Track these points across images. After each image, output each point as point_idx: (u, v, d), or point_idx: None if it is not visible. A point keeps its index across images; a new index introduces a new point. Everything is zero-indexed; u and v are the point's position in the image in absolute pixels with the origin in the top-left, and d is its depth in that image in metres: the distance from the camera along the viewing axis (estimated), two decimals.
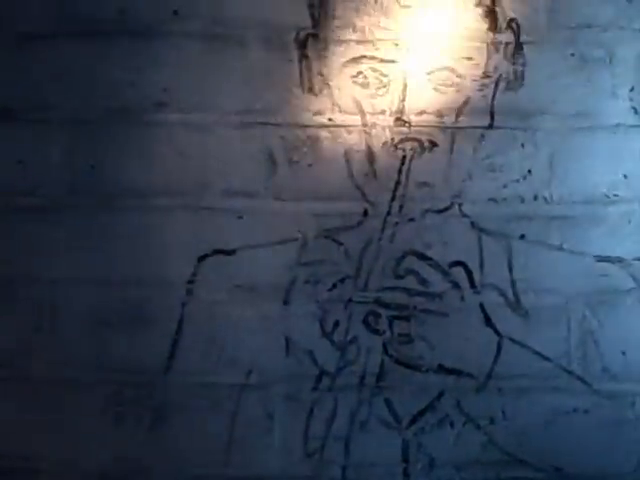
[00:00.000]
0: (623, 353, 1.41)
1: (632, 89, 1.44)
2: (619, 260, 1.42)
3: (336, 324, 1.43)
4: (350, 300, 1.43)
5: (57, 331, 1.45)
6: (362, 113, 1.44)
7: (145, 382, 1.44)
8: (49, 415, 1.45)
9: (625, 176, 1.43)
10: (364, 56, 1.44)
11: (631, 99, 1.44)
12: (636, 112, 1.44)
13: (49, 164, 1.46)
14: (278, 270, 1.44)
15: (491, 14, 1.44)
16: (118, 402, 1.44)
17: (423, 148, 1.43)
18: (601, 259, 1.42)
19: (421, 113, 1.44)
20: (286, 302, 1.43)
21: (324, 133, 1.45)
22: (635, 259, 1.42)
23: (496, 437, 1.41)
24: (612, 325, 1.41)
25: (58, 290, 1.45)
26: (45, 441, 1.45)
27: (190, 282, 1.44)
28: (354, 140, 1.45)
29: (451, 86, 1.44)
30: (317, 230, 1.44)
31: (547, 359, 1.41)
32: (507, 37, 1.44)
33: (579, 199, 1.43)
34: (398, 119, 1.44)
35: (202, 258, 1.44)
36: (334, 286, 1.43)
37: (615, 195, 1.43)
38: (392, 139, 1.44)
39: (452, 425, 1.42)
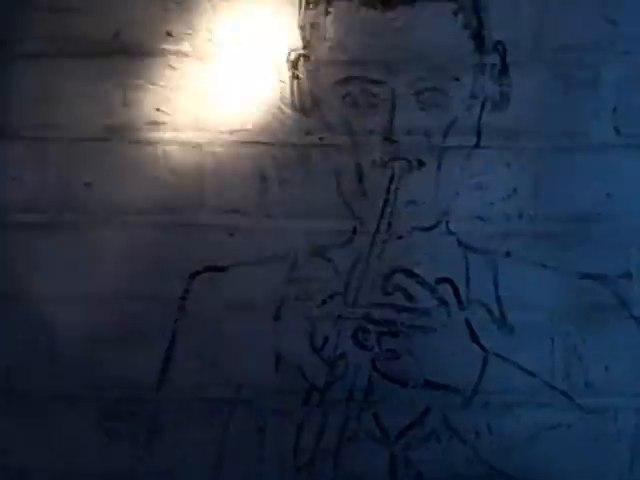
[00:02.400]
0: (606, 368, 1.43)
1: (614, 110, 1.46)
2: (602, 277, 1.43)
3: (325, 340, 1.44)
4: (339, 316, 1.44)
5: (52, 347, 1.47)
6: (352, 132, 1.46)
7: (138, 398, 1.45)
8: (44, 430, 1.47)
9: (608, 195, 1.45)
10: (354, 77, 1.46)
11: (614, 120, 1.46)
12: (618, 132, 1.45)
13: (44, 181, 1.49)
14: (269, 287, 1.45)
15: (478, 36, 1.46)
16: (112, 418, 1.46)
17: (411, 167, 1.45)
18: (585, 276, 1.44)
19: (409, 133, 1.45)
20: (277, 318, 1.45)
21: (315, 152, 1.47)
22: (618, 276, 1.43)
23: (482, 452, 1.43)
24: (595, 341, 1.43)
25: (53, 306, 1.47)
26: (41, 456, 1.47)
27: (182, 298, 1.46)
28: (344, 159, 1.46)
29: (439, 106, 1.46)
30: (307, 247, 1.46)
31: (532, 374, 1.43)
32: (493, 59, 1.46)
33: (563, 217, 1.45)
34: (387, 138, 1.46)
35: (194, 275, 1.46)
36: (324, 302, 1.45)
37: (598, 214, 1.45)
38: (381, 158, 1.46)
39: (439, 440, 1.43)
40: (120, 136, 1.48)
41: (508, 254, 1.45)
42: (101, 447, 1.46)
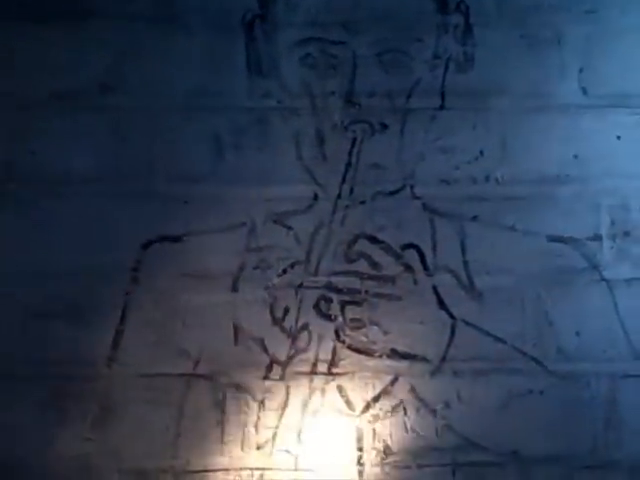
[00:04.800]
0: (577, 333, 1.40)
1: (581, 70, 1.44)
2: (572, 240, 1.41)
3: (286, 310, 1.40)
4: (301, 285, 1.40)
5: None
6: (311, 95, 1.42)
7: (89, 375, 1.39)
8: None
9: (575, 156, 1.43)
10: (312, 38, 1.42)
11: (580, 80, 1.43)
12: (585, 92, 1.43)
13: None
14: (226, 256, 1.40)
15: None
16: (61, 397, 1.39)
17: (374, 130, 1.42)
18: (554, 239, 1.41)
19: (371, 95, 1.42)
20: (235, 289, 1.40)
21: (273, 116, 1.42)
22: (587, 239, 1.41)
23: (452, 421, 1.39)
24: (566, 305, 1.40)
25: None
26: None
27: (134, 270, 1.39)
28: (303, 122, 1.42)
29: (401, 67, 1.42)
30: (266, 215, 1.41)
31: (502, 341, 1.39)
32: (456, 19, 1.44)
33: (531, 179, 1.42)
34: (348, 101, 1.42)
35: (147, 245, 1.40)
36: (284, 271, 1.40)
37: (566, 175, 1.42)
38: (342, 121, 1.42)
39: (406, 411, 1.39)
40: (68, 102, 1.42)
41: (475, 218, 1.41)
42: (51, 428, 1.38)
